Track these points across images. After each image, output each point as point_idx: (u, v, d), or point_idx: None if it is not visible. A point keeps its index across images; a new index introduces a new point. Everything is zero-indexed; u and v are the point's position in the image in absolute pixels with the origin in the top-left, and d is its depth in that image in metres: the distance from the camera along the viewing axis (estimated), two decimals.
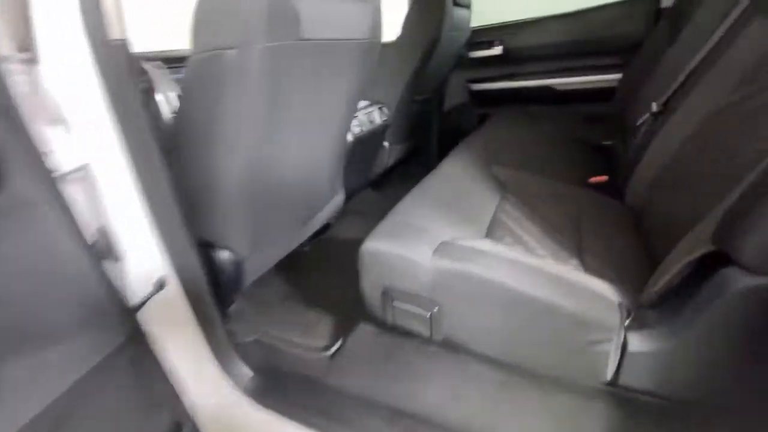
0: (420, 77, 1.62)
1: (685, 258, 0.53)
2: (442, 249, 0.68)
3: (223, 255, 0.73)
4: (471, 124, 2.10)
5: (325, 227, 1.33)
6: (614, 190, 1.00)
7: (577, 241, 0.76)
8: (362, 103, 1.50)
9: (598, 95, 1.75)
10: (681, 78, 0.87)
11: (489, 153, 1.15)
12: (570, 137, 1.45)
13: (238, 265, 0.75)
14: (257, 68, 0.58)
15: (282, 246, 0.96)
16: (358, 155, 1.46)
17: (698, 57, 0.84)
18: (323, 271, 1.18)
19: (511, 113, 1.78)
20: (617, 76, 1.69)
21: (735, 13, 0.78)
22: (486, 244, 0.69)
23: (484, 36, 1.94)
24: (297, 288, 1.07)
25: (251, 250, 0.77)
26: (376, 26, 0.83)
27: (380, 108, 1.58)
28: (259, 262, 0.85)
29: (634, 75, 1.55)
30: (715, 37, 0.81)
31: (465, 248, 0.67)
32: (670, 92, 0.89)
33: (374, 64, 0.90)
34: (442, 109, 2.15)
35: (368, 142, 1.49)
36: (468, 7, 1.76)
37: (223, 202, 0.69)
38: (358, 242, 0.72)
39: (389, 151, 1.73)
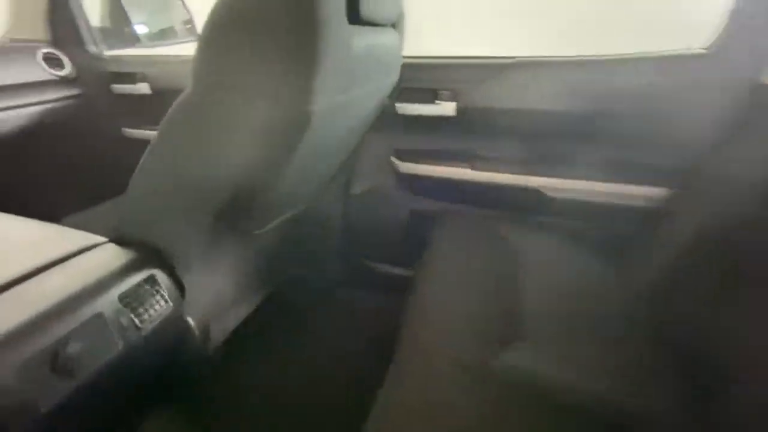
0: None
1: None
2: None
3: None
4: (397, 225, 1.20)
5: None
6: None
7: None
8: None
9: (623, 217, 0.93)
10: None
11: None
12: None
13: None
14: None
15: None
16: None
17: None
18: None
19: (471, 237, 0.93)
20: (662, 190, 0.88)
21: None
22: None
23: (421, 78, 1.02)
24: None
25: None
26: None
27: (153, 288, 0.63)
28: None
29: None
30: None
31: None
32: None
33: None
34: (349, 194, 1.22)
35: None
36: (394, 26, 0.83)
37: None
38: None
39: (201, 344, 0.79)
